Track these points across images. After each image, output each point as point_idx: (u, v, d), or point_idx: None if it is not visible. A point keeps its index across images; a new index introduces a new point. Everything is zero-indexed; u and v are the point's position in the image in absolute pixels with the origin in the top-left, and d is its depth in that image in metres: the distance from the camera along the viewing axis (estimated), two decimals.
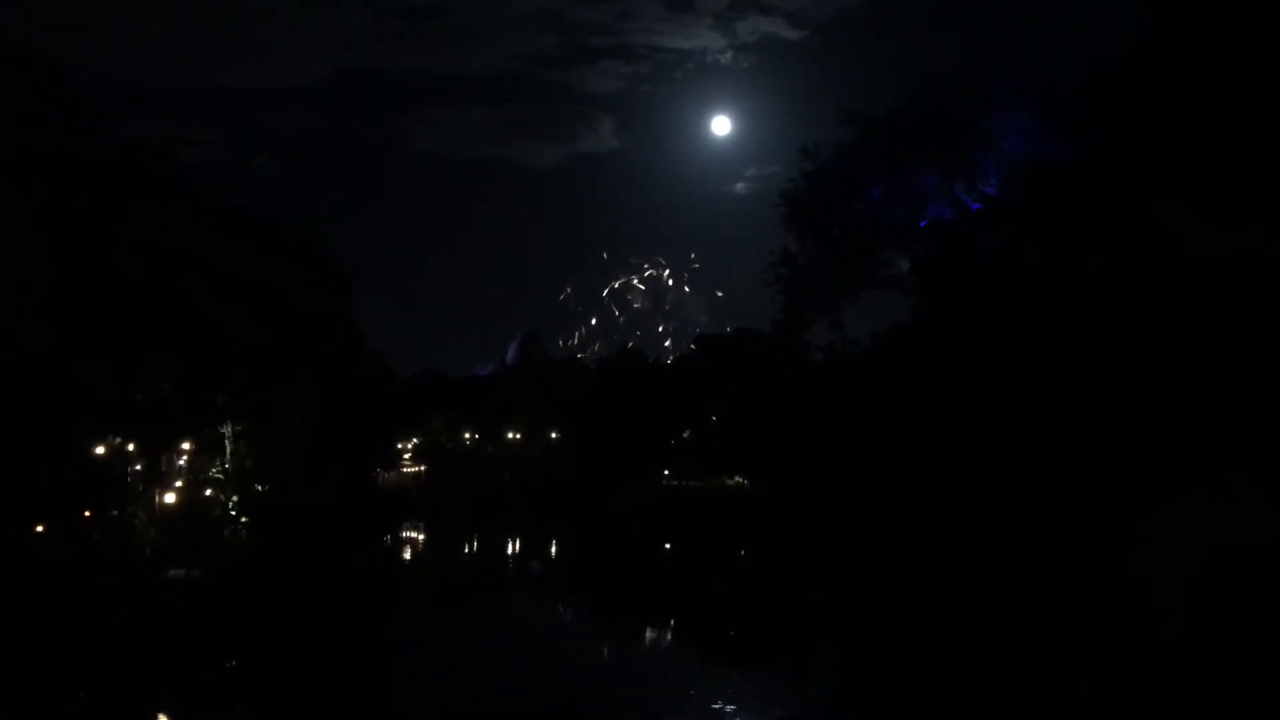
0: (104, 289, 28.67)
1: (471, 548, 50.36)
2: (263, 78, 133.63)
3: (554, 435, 78.37)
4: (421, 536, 53.45)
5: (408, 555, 48.49)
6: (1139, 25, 32.76)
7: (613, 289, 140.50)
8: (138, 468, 34.29)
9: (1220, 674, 18.94)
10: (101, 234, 28.88)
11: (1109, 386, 29.99)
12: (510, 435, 79.64)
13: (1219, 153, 28.12)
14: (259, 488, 37.74)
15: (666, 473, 68.68)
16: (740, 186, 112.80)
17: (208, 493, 36.23)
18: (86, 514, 30.67)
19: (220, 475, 36.67)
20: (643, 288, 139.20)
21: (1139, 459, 28.65)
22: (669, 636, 27.56)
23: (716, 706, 18.91)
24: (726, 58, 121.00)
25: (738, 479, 61.23)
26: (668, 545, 48.72)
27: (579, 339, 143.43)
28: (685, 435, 70.38)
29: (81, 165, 28.77)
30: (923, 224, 42.41)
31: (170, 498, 34.47)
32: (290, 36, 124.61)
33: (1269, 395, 26.36)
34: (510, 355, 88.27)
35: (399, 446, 73.25)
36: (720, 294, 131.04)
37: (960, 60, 42.94)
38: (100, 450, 32.15)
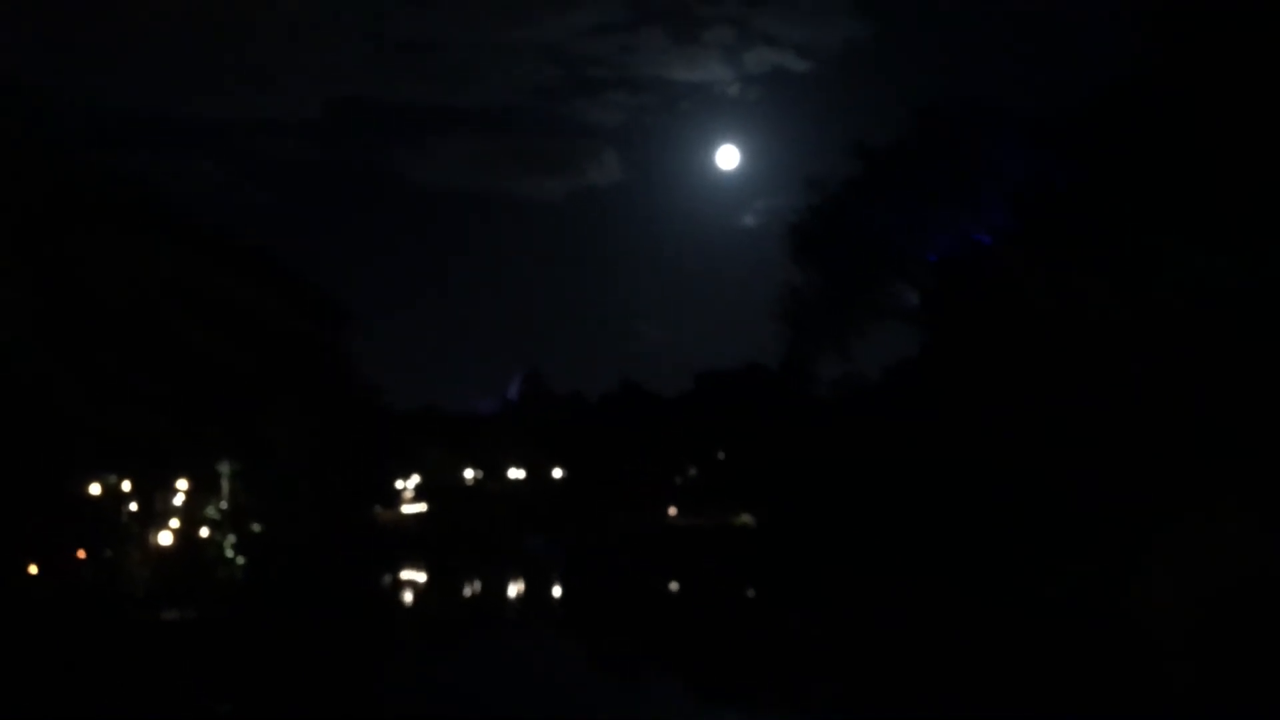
0: (93, 320, 28.28)
1: (473, 588, 49.73)
2: (257, 109, 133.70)
3: (557, 473, 77.83)
4: (420, 577, 52.78)
5: (407, 596, 47.88)
6: (1141, 52, 32.59)
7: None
8: (133, 507, 33.82)
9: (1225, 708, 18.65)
10: (90, 264, 28.51)
11: (1111, 415, 29.75)
12: (512, 473, 79.10)
13: (1219, 178, 27.90)
14: (255, 527, 37.25)
15: (673, 511, 68.11)
16: (748, 218, 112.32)
17: (204, 533, 35.75)
18: (80, 554, 30.22)
19: (217, 515, 36.17)
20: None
21: (1148, 488, 28.33)
22: (668, 675, 27.14)
23: None
24: (734, 89, 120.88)
25: (745, 517, 60.68)
26: (673, 585, 48.21)
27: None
28: (691, 473, 69.87)
29: (71, 195, 28.47)
30: (932, 258, 41.90)
31: (166, 538, 34.07)
32: (285, 67, 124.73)
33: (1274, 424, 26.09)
34: (512, 392, 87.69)
35: (400, 485, 72.75)
36: (726, 327, 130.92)
37: (967, 89, 42.65)
38: (94, 489, 31.74)
